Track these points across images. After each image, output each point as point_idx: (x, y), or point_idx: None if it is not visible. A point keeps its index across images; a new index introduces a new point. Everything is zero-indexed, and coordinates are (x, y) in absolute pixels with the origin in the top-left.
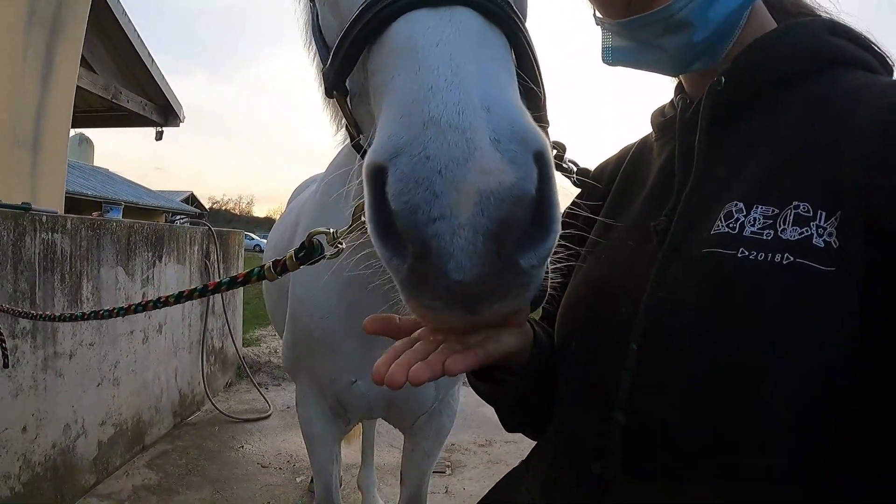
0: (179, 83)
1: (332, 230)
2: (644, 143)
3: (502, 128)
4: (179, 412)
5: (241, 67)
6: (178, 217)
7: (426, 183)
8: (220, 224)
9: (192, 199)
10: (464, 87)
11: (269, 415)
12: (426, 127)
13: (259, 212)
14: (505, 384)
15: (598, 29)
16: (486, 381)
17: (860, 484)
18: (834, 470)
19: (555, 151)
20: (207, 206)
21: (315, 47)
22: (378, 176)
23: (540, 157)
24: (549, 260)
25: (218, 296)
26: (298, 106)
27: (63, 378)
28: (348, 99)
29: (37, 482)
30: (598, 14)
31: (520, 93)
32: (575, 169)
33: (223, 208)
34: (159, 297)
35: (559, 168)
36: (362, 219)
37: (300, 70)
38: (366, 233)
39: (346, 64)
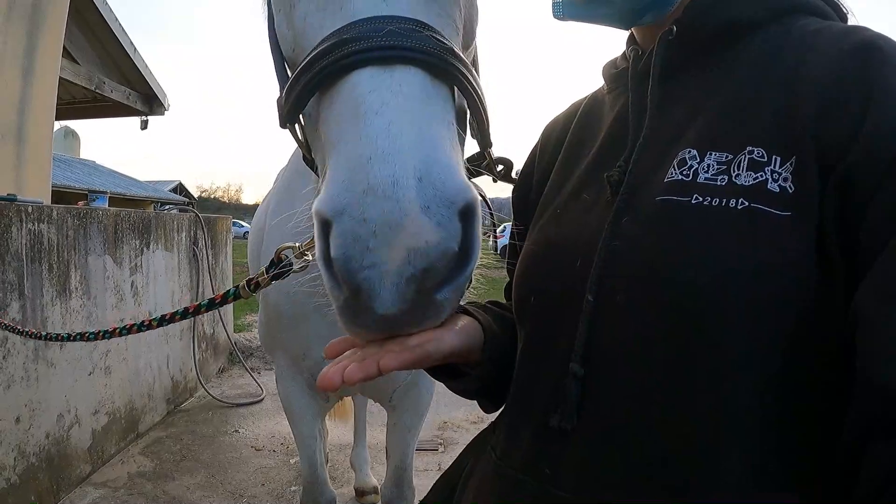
0: (164, 70)
1: (297, 244)
2: (594, 97)
3: (432, 195)
4: (172, 399)
5: (226, 52)
6: (166, 207)
7: (362, 240)
8: (210, 212)
9: (180, 188)
10: (398, 160)
11: (262, 398)
12: (365, 194)
13: (248, 198)
14: (465, 378)
15: None
16: (450, 378)
17: (816, 423)
18: (790, 413)
19: (501, 167)
20: (196, 195)
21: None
22: (324, 225)
23: (466, 212)
24: (466, 285)
25: (208, 283)
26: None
27: (55, 368)
28: (300, 124)
29: (32, 473)
30: None
31: (468, 122)
32: (501, 168)
33: (212, 196)
34: (143, 321)
35: (508, 179)
36: None
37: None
38: None
39: (297, 105)
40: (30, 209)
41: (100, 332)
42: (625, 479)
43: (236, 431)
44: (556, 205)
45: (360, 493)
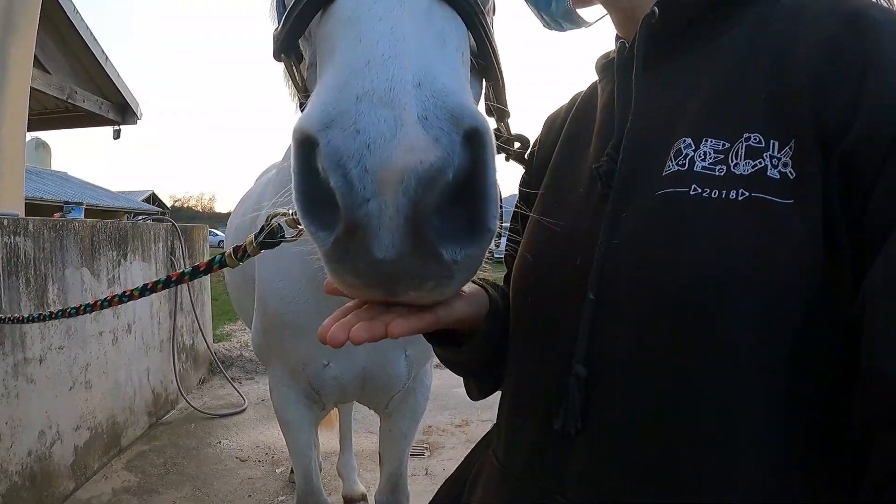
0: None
1: (291, 211)
2: (593, 87)
3: (431, 104)
4: (154, 412)
5: (199, 61)
6: (139, 217)
7: (357, 157)
8: (184, 221)
9: (153, 198)
10: (399, 63)
11: (245, 408)
12: (359, 101)
13: (221, 207)
14: (462, 349)
15: None
16: (445, 346)
17: (826, 418)
18: (801, 401)
19: (517, 145)
20: (169, 204)
21: (276, 13)
22: (306, 145)
23: (474, 137)
24: (482, 259)
25: (186, 293)
26: (260, 96)
27: (34, 384)
28: (303, 66)
29: (15, 491)
30: None
31: (481, 84)
32: (518, 145)
33: (185, 205)
34: (124, 292)
35: (521, 160)
36: None
37: (261, 60)
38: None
39: (296, 27)
40: (5, 222)
41: (81, 305)
42: (631, 484)
43: (220, 443)
44: (553, 199)
45: (349, 500)
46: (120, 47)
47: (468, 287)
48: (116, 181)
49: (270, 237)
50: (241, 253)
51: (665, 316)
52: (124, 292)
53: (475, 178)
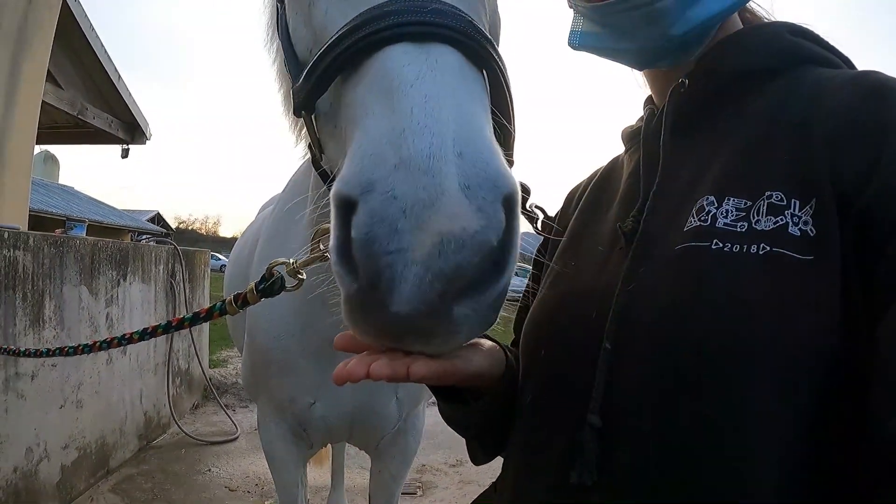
0: (146, 98)
1: (291, 260)
2: (616, 160)
3: (473, 174)
4: (145, 435)
5: (209, 82)
6: (143, 237)
7: (389, 220)
8: (187, 244)
9: (158, 219)
10: (437, 131)
11: (237, 437)
12: (397, 169)
13: (226, 232)
14: (471, 406)
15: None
16: (450, 401)
17: (843, 471)
18: (818, 459)
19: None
20: (174, 226)
21: (281, 52)
22: (346, 206)
23: (508, 202)
24: (495, 308)
25: (183, 315)
26: (267, 123)
27: (25, 400)
28: (314, 117)
29: None
30: None
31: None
32: (541, 216)
33: (189, 228)
34: (123, 335)
35: (523, 212)
36: (321, 247)
37: (270, 88)
38: (325, 261)
39: (319, 86)
40: (6, 235)
41: (79, 346)
42: None
43: (209, 471)
44: (571, 258)
45: None
46: (134, 67)
47: (487, 343)
48: (122, 199)
49: (271, 286)
50: (241, 301)
51: (683, 367)
52: (124, 335)
53: (504, 240)
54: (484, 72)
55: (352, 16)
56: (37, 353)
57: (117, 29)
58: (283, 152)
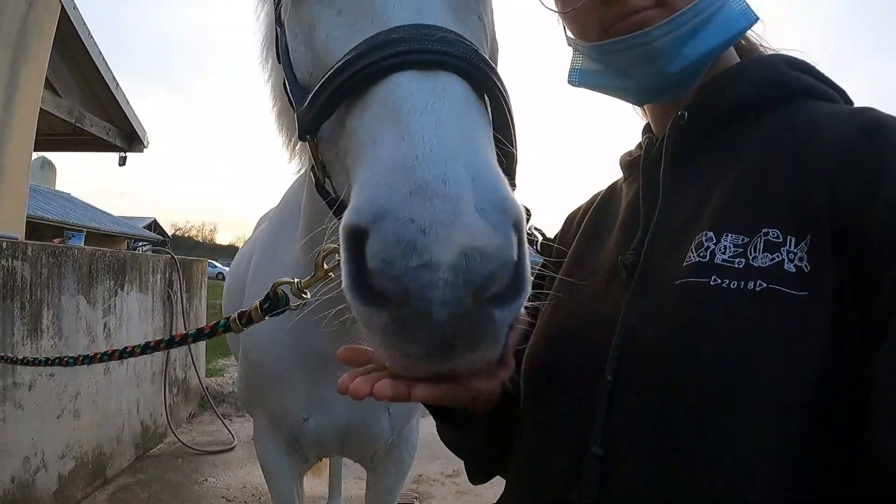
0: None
1: (296, 280)
2: (614, 185)
3: (486, 197)
4: (142, 444)
5: (206, 90)
6: (140, 243)
7: (407, 241)
8: (184, 251)
9: (154, 226)
10: (449, 157)
11: (234, 447)
12: (412, 195)
13: (222, 239)
14: (469, 429)
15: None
16: (449, 423)
17: (838, 494)
18: (812, 482)
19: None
20: (170, 233)
21: (276, 70)
22: (356, 237)
23: (517, 226)
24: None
25: (181, 325)
26: (262, 131)
27: (22, 409)
28: (316, 141)
29: None
30: (570, 34)
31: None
32: (539, 238)
33: (186, 235)
34: (125, 348)
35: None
36: (325, 267)
37: (264, 96)
38: (330, 282)
39: (324, 112)
40: (4, 245)
41: (79, 356)
42: None
43: (206, 480)
44: (573, 288)
45: None
46: (132, 71)
47: None
48: (118, 205)
49: (275, 305)
50: (245, 319)
51: (683, 398)
52: (125, 348)
53: (518, 259)
54: (487, 98)
55: (356, 41)
56: (35, 362)
57: (115, 35)
58: (280, 160)
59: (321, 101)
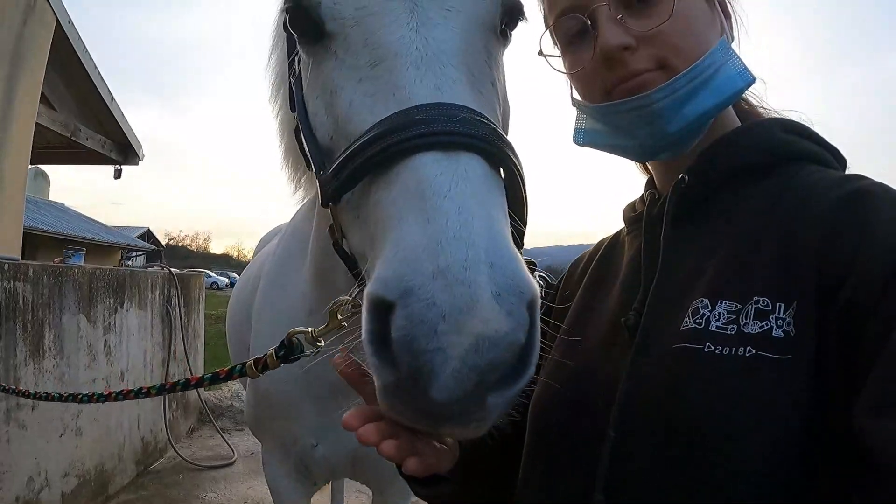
0: (134, 116)
1: (311, 329)
2: (618, 235)
3: (503, 282)
4: (143, 460)
5: (197, 100)
6: (134, 254)
7: (429, 323)
8: (177, 260)
9: (148, 235)
10: (471, 243)
11: (234, 461)
12: (435, 277)
13: (216, 248)
14: (442, 483)
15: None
16: (421, 485)
17: None
18: None
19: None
20: (164, 242)
21: (286, 109)
22: (380, 306)
23: (531, 306)
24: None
25: (180, 341)
26: (255, 140)
27: (26, 430)
28: (336, 210)
29: None
30: (575, 96)
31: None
32: (543, 284)
33: (180, 244)
34: (140, 388)
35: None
36: (339, 317)
37: (256, 106)
38: (342, 330)
39: (348, 184)
40: (6, 267)
41: (94, 394)
42: None
43: (207, 495)
44: (575, 346)
45: None
46: (124, 81)
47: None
48: (111, 215)
49: (290, 352)
50: (261, 365)
51: (679, 452)
52: (140, 388)
53: (529, 338)
54: (502, 170)
55: (380, 114)
56: (49, 398)
57: (110, 48)
58: (276, 165)
59: (346, 173)
